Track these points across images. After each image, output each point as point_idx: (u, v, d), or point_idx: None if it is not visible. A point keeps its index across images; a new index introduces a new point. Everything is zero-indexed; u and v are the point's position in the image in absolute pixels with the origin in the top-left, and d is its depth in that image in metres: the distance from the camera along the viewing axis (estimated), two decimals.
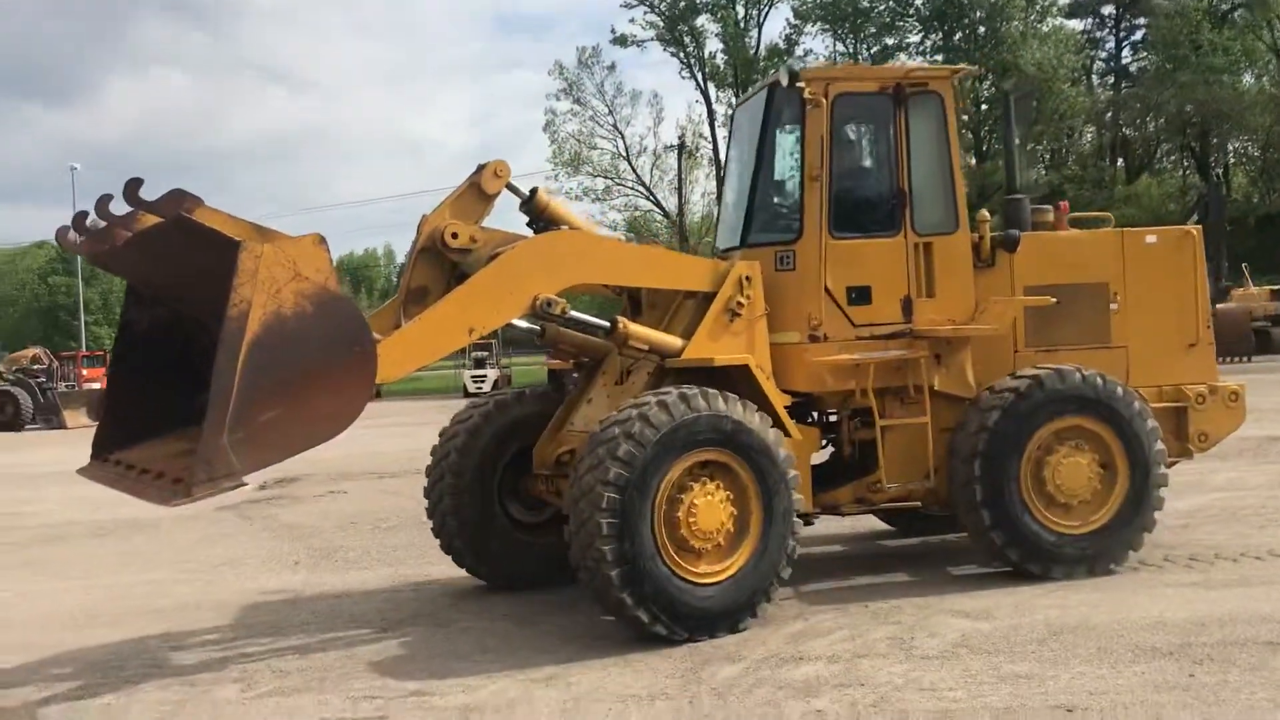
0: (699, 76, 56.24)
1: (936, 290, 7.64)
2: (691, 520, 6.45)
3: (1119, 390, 7.49)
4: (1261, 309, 37.39)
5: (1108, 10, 64.17)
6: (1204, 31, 49.35)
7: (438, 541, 8.22)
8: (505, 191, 7.36)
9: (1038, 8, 49.17)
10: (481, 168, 7.26)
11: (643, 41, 55.58)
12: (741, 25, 54.33)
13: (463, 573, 8.24)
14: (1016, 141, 10.07)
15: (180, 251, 5.79)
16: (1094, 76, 63.26)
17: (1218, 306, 35.39)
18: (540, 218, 7.57)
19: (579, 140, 56.55)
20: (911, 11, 51.35)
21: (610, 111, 56.32)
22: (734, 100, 55.11)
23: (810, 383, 7.49)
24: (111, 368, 7.11)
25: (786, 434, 6.99)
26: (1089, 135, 55.79)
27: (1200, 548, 8.19)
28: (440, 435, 8.24)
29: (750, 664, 6.01)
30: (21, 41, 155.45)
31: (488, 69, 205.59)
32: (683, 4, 54.33)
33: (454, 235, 7.01)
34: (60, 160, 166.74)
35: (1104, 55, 65.74)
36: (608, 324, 7.07)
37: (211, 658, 6.88)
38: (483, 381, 41.92)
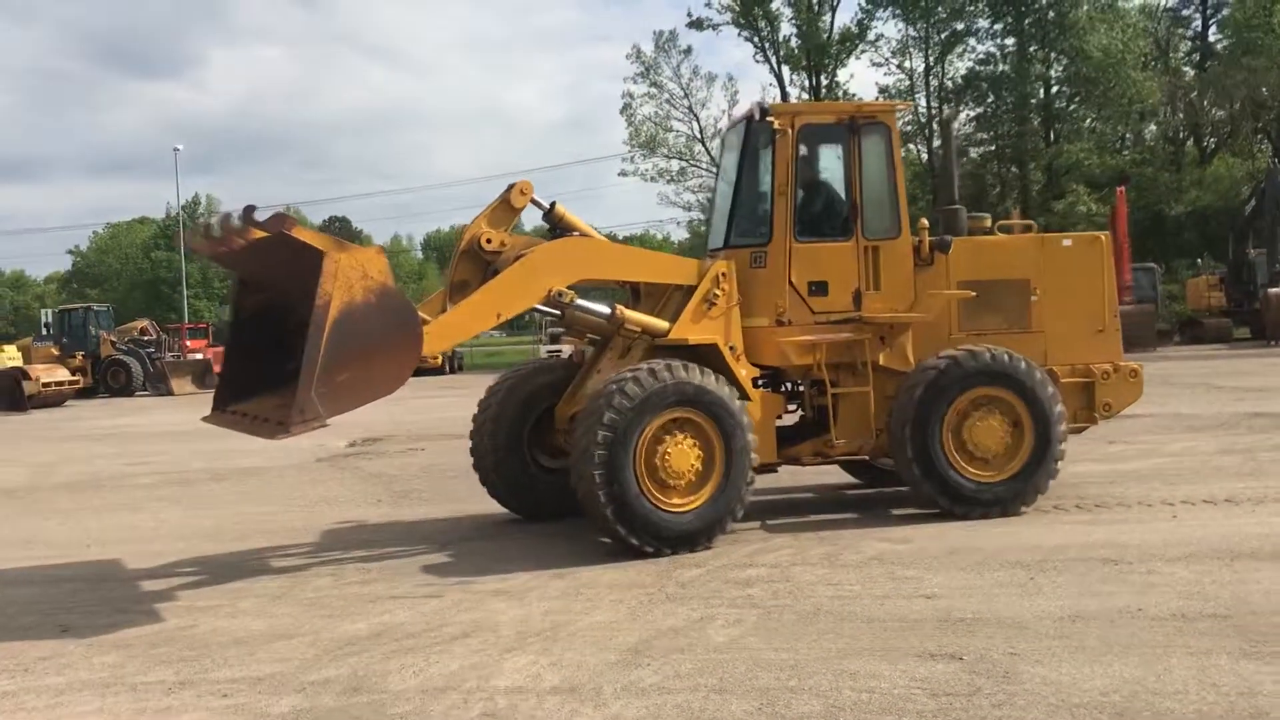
0: (773, 60, 57.46)
1: (882, 284, 9.39)
2: (666, 464, 8.34)
3: (1022, 364, 9.14)
4: None
5: None
6: (1276, 14, 49.38)
7: (481, 482, 10.16)
8: (530, 205, 9.30)
9: None
10: (511, 187, 9.18)
11: (718, 25, 57.07)
12: (815, 9, 55.44)
13: (506, 509, 10.27)
14: (953, 161, 11.75)
15: (281, 257, 7.77)
16: (1178, 55, 63.12)
17: (1268, 291, 36.23)
18: (558, 226, 9.51)
19: (655, 123, 58.25)
20: None
21: (686, 94, 57.85)
22: (808, 83, 56.41)
23: (777, 358, 9.35)
24: (226, 340, 9.22)
25: (746, 398, 8.85)
26: (1163, 116, 55.92)
27: (1111, 497, 9.85)
28: (481, 399, 10.17)
29: (710, 569, 7.93)
30: (125, 18, 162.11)
31: (579, 41, 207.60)
32: None
33: (488, 241, 8.99)
34: (163, 134, 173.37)
35: (1191, 34, 65.61)
36: (608, 310, 8.98)
37: (311, 561, 9.03)
38: (558, 354, 44.15)
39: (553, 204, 9.45)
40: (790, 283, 9.29)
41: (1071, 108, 52.72)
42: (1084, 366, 9.86)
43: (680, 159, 57.95)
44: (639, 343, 9.20)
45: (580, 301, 8.84)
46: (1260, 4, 50.91)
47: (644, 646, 6.13)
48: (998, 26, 52.11)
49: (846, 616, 6.52)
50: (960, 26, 52.94)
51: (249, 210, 7.85)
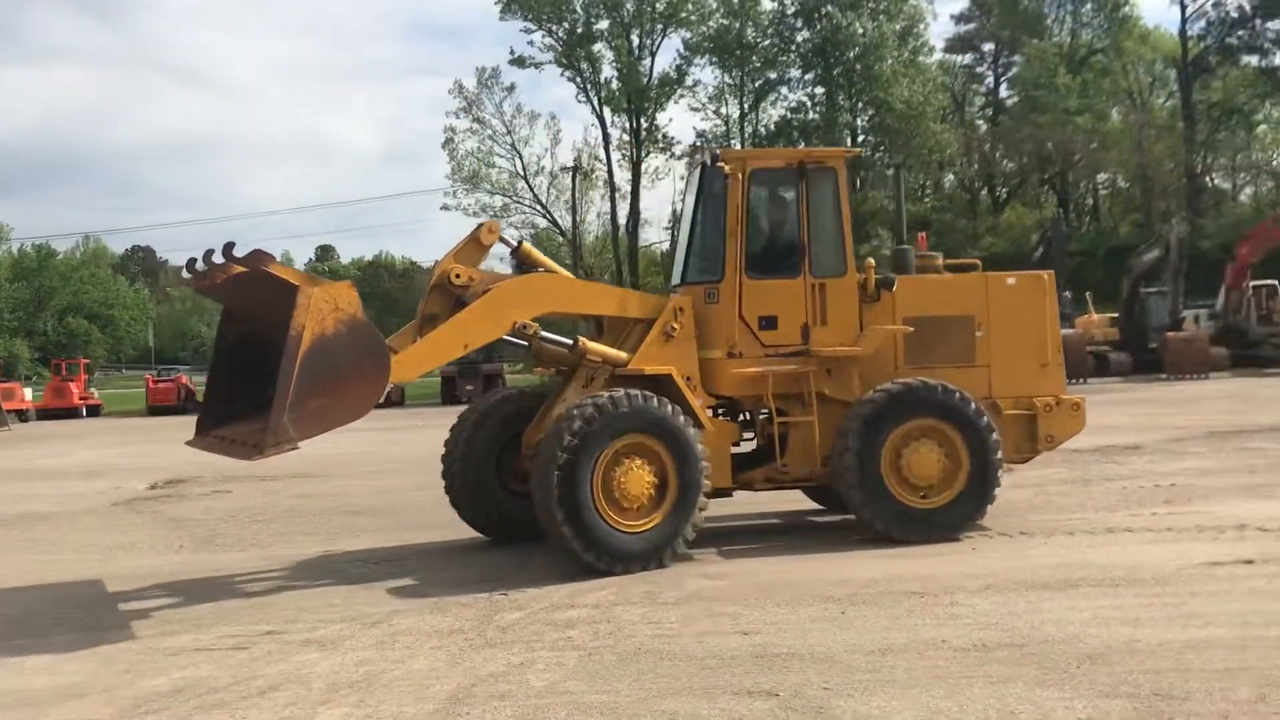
0: (595, 101, 58.35)
1: (829, 320, 9.76)
2: (622, 487, 8.69)
3: (957, 396, 9.46)
4: (1102, 334, 40.74)
5: (988, 47, 68.45)
6: (1060, 75, 53.19)
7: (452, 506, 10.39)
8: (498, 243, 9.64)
9: (910, 47, 52.50)
10: (480, 225, 9.52)
11: (541, 64, 57.53)
12: (635, 54, 56.57)
13: (315, 551, 10.08)
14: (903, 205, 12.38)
15: (259, 290, 8.12)
16: (973, 109, 67.08)
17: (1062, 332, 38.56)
18: (524, 262, 9.83)
19: (477, 158, 58.20)
20: (793, 48, 54.32)
21: (509, 131, 58.13)
22: (628, 125, 57.39)
23: (730, 388, 9.72)
24: (211, 367, 9.74)
25: (701, 426, 9.17)
26: (960, 166, 59.30)
27: None
28: (454, 425, 10.37)
29: (532, 611, 7.86)
30: None
31: (402, 73, 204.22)
32: (579, 30, 56.43)
33: (456, 276, 9.20)
34: None
35: (984, 90, 69.85)
36: (571, 342, 9.27)
37: (106, 613, 8.51)
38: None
39: (520, 242, 9.82)
40: (741, 317, 9.65)
41: (876, 156, 55.28)
42: (1027, 399, 10.23)
43: (503, 195, 58.04)
44: (601, 372, 9.45)
45: (545, 333, 9.23)
46: (1045, 65, 54.69)
47: (463, 694, 6.02)
48: (808, 76, 54.45)
49: (666, 655, 6.56)
50: (773, 75, 55.02)
51: (229, 246, 8.19)
